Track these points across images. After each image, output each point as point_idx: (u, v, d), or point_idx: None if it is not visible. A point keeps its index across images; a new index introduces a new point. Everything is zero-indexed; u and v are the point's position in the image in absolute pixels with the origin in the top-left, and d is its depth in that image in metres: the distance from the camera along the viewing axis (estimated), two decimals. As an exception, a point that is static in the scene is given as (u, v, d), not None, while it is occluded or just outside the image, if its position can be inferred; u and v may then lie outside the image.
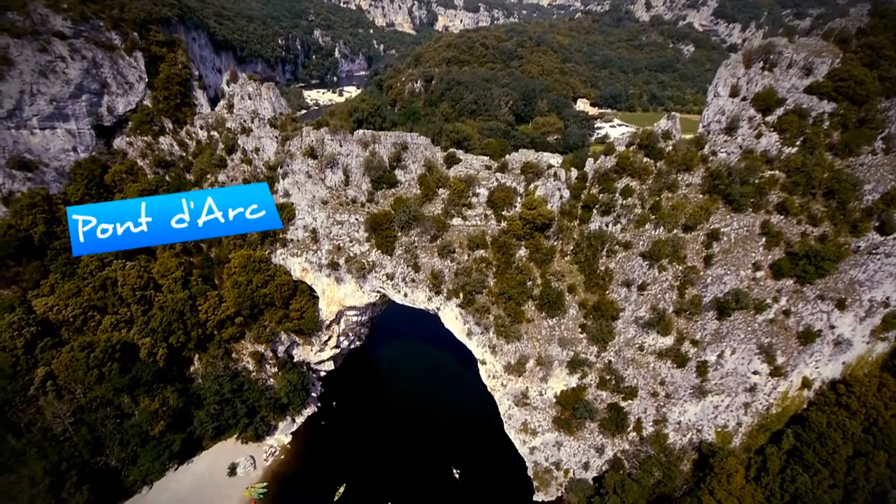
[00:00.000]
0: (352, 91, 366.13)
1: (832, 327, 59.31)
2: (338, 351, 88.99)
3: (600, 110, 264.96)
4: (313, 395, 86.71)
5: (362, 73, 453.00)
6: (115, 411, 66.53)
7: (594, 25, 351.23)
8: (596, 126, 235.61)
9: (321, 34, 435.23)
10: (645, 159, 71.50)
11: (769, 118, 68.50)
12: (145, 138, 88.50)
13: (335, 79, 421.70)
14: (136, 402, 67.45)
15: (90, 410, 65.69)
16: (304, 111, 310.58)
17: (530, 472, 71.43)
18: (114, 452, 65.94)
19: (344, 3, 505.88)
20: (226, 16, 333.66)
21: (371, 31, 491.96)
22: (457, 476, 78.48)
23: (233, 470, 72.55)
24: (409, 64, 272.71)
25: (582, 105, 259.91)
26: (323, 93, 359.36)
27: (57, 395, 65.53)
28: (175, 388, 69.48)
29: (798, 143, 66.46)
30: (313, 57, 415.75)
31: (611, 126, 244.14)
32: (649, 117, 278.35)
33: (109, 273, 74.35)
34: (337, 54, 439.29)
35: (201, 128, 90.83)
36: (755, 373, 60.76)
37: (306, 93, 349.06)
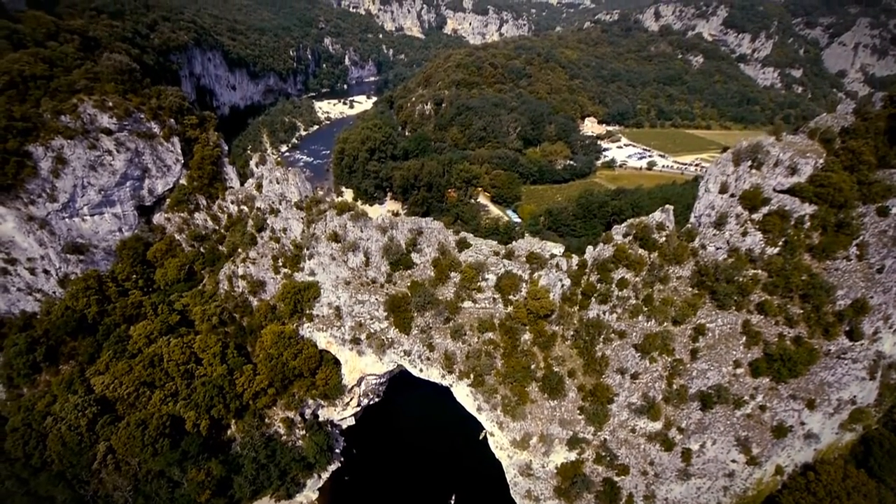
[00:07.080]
0: (362, 101, 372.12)
1: (803, 423, 66.33)
2: (359, 409, 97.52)
3: (608, 128, 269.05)
4: (336, 450, 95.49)
5: (372, 78, 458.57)
6: (168, 482, 75.63)
7: (603, 36, 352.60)
8: (603, 148, 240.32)
9: (331, 42, 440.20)
10: (640, 251, 78.34)
11: (755, 216, 74.11)
12: (182, 214, 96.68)
13: (345, 87, 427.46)
14: (184, 471, 76.43)
15: (146, 482, 74.90)
16: (316, 126, 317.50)
17: (533, 533, 79.68)
18: (167, 519, 75.31)
19: (353, 7, 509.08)
20: (238, 30, 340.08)
21: (380, 35, 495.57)
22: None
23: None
24: (420, 83, 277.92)
25: (589, 124, 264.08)
26: (334, 104, 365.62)
27: (116, 467, 74.74)
28: (218, 460, 78.33)
29: (780, 243, 72.55)
30: (324, 66, 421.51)
31: (617, 146, 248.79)
32: (656, 133, 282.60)
33: (156, 349, 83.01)
34: (347, 62, 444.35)
35: (232, 202, 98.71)
36: (733, 461, 68.14)
37: (317, 104, 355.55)
